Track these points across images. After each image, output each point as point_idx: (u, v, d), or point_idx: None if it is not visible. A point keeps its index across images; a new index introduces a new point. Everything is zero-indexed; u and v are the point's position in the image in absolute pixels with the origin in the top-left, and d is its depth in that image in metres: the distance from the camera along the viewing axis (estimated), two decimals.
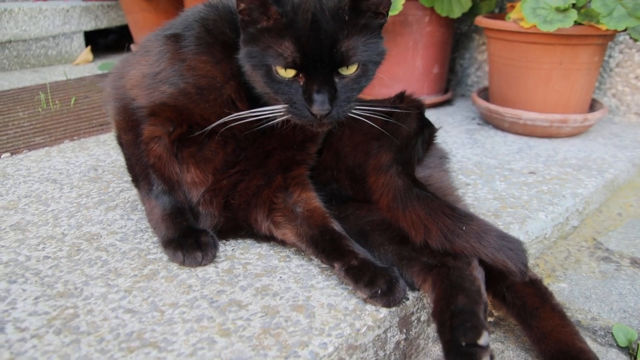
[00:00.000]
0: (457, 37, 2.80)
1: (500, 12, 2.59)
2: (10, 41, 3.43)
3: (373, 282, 1.08)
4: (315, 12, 1.09)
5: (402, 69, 2.42)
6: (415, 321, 1.16)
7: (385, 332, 1.08)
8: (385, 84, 2.45)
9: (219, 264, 1.24)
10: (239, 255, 1.27)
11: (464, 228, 1.10)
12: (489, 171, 1.84)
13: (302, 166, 1.33)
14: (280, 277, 1.19)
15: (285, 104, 1.14)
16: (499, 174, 1.81)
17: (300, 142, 1.30)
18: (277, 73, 1.11)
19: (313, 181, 1.35)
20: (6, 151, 2.03)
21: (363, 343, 1.04)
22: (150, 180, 1.29)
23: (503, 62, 2.17)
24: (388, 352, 1.10)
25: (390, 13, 2.14)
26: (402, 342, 1.13)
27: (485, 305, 1.04)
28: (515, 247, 1.09)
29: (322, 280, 1.17)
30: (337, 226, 1.22)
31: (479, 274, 1.09)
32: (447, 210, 1.12)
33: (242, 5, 1.12)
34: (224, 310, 1.07)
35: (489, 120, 2.32)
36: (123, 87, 1.31)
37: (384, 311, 1.08)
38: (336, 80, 1.12)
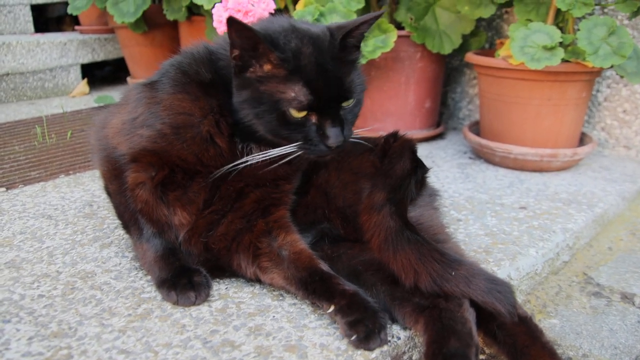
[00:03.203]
0: (448, 72, 2.84)
1: (490, 48, 2.64)
2: (7, 74, 3.46)
3: (354, 326, 1.10)
4: (316, 55, 1.18)
5: (394, 103, 2.46)
6: None
7: None
8: (378, 118, 2.49)
9: (213, 302, 1.25)
10: (232, 294, 1.28)
11: (452, 273, 1.12)
12: (480, 206, 1.86)
13: (281, 207, 1.34)
14: (274, 317, 1.20)
15: (300, 142, 1.20)
16: (490, 209, 1.83)
17: (272, 180, 1.31)
18: (291, 116, 1.17)
19: (301, 220, 1.37)
20: (1, 186, 2.04)
21: None
22: (139, 225, 1.31)
23: (493, 97, 2.21)
24: None
25: (382, 50, 2.19)
26: None
27: (477, 348, 1.05)
28: (503, 289, 1.11)
29: (314, 320, 1.19)
30: (324, 266, 1.24)
31: (470, 315, 1.10)
32: (436, 256, 1.14)
33: (236, 52, 1.17)
34: (217, 350, 1.08)
35: (481, 155, 2.35)
36: (105, 136, 1.34)
37: (376, 351, 1.09)
38: (341, 112, 1.21)
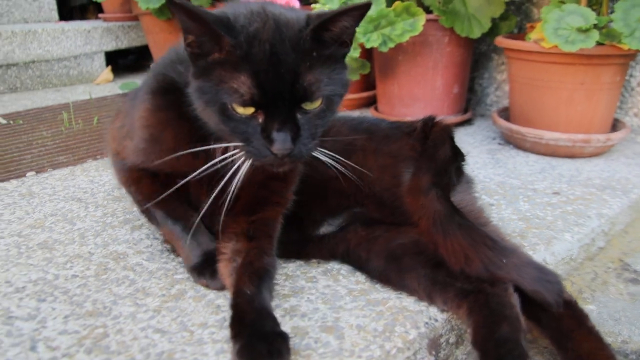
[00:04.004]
0: (476, 57, 2.80)
1: (519, 33, 2.60)
2: (33, 61, 3.48)
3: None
4: (274, 42, 1.02)
5: (422, 88, 2.42)
6: (444, 343, 1.15)
7: (414, 354, 1.07)
8: (405, 104, 2.46)
9: None
10: None
11: (504, 260, 1.10)
12: (512, 191, 1.83)
13: (267, 208, 1.26)
14: (308, 298, 1.18)
15: (243, 143, 1.06)
16: (522, 194, 1.80)
17: (260, 180, 1.22)
18: (234, 111, 1.03)
19: (332, 205, 1.34)
20: (31, 170, 2.05)
21: None
22: (160, 219, 1.31)
23: (524, 82, 2.17)
24: None
25: (411, 33, 2.16)
26: None
27: (525, 333, 1.03)
28: (552, 279, 1.09)
29: (349, 302, 1.17)
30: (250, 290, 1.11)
31: (515, 300, 1.08)
32: (488, 242, 1.12)
33: (190, 38, 1.04)
34: None
35: (510, 140, 2.31)
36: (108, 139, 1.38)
37: (413, 333, 1.07)
38: (299, 116, 1.05)
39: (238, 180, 1.10)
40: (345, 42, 1.09)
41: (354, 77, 2.43)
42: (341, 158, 1.19)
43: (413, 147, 1.36)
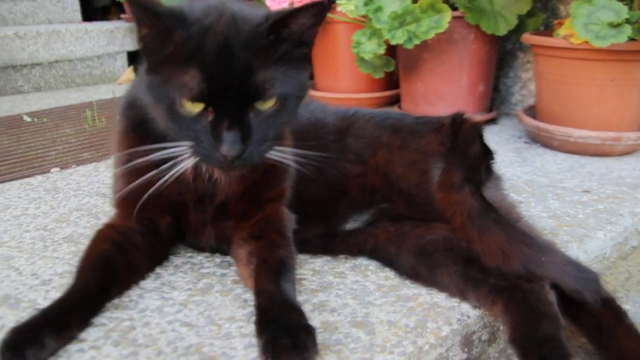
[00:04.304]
0: (501, 56, 2.76)
1: (545, 30, 2.55)
2: (57, 61, 3.51)
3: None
4: (228, 36, 0.98)
5: (448, 86, 2.39)
6: (477, 340, 1.12)
7: (447, 350, 1.05)
8: (430, 102, 2.43)
9: None
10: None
11: (543, 259, 1.07)
12: (540, 189, 1.79)
13: (264, 208, 1.23)
14: (337, 293, 1.16)
15: (192, 142, 1.01)
16: (551, 192, 1.76)
17: (244, 188, 1.20)
18: (183, 107, 0.99)
19: (357, 201, 1.32)
20: (55, 166, 2.06)
21: None
22: None
23: (552, 79, 2.13)
24: None
25: (436, 30, 2.14)
26: None
27: (565, 331, 1.00)
28: (590, 277, 1.06)
29: (379, 297, 1.15)
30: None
31: (552, 297, 1.05)
32: (526, 239, 1.10)
33: (143, 31, 1.01)
34: None
35: (537, 139, 2.27)
36: None
37: (446, 329, 1.05)
38: (251, 115, 1.00)
39: (172, 175, 1.06)
40: (305, 42, 1.05)
41: (378, 75, 2.41)
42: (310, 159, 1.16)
43: (442, 143, 1.33)
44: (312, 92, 2.84)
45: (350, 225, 1.35)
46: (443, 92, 2.41)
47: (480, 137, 1.37)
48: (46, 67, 3.52)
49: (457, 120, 1.38)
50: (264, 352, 0.92)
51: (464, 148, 1.30)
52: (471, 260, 1.14)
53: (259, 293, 1.07)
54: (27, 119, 2.80)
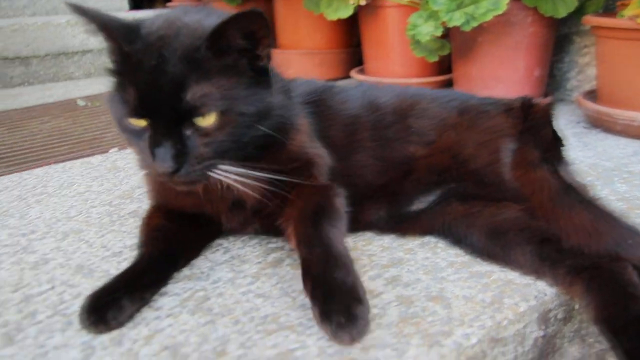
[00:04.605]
0: (555, 40, 2.70)
1: (605, 12, 2.49)
2: (100, 49, 3.56)
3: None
4: (164, 52, 0.96)
5: (504, 70, 2.35)
6: (553, 318, 1.09)
7: (525, 327, 1.02)
8: (485, 86, 2.39)
9: None
10: (362, 247, 1.24)
11: (629, 241, 1.05)
12: (605, 173, 1.74)
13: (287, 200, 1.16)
14: (408, 269, 1.15)
15: (139, 156, 1.06)
16: (617, 176, 1.71)
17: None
18: (127, 122, 1.00)
19: (423, 182, 1.29)
20: (113, 146, 2.09)
21: (504, 337, 0.98)
22: None
23: (615, 61, 2.07)
24: (526, 349, 1.04)
25: (494, 12, 2.10)
26: (540, 339, 1.07)
27: None
28: None
29: (452, 273, 1.13)
30: None
31: (636, 278, 1.02)
32: (611, 220, 1.08)
33: (109, 45, 1.03)
34: None
35: (597, 124, 2.21)
36: None
37: (523, 305, 1.02)
38: (187, 133, 0.98)
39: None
40: (256, 55, 1.02)
41: (433, 59, 2.38)
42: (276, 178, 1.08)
43: (514, 125, 1.30)
44: (362, 77, 2.82)
45: (416, 206, 1.32)
46: (498, 76, 2.36)
47: (551, 121, 1.34)
48: (96, 54, 3.58)
49: (527, 104, 1.35)
50: (323, 323, 0.91)
51: (537, 129, 1.27)
52: (547, 240, 1.11)
53: (299, 245, 1.05)
54: (80, 102, 2.85)
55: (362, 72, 2.91)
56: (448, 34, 2.45)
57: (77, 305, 1.06)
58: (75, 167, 1.88)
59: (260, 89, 1.04)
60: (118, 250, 1.27)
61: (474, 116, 1.33)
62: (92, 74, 3.56)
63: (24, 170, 1.88)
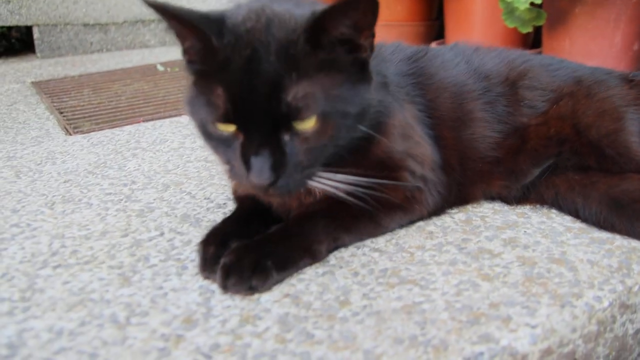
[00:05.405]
0: None
1: None
2: None
3: None
4: (257, 47, 0.85)
5: (598, 44, 2.25)
6: None
7: None
8: (577, 61, 2.30)
9: (454, 215, 1.18)
10: (472, 208, 1.21)
11: None
12: None
13: None
14: (525, 232, 1.11)
15: (226, 164, 0.94)
16: None
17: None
18: (214, 127, 0.90)
19: (539, 153, 1.21)
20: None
21: (634, 303, 0.94)
22: None
23: None
24: None
25: None
26: None
27: None
28: None
29: (571, 238, 1.09)
30: None
31: None
32: None
33: (187, 44, 0.92)
34: (476, 256, 1.01)
35: None
36: None
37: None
38: (286, 138, 0.87)
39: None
40: (359, 46, 0.90)
41: (526, 30, 2.29)
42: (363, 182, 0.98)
43: (637, 95, 1.24)
44: None
45: (529, 179, 1.25)
46: (593, 50, 2.27)
47: None
48: None
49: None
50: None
51: None
52: None
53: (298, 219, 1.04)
54: (160, 68, 2.88)
55: (443, 44, 2.84)
56: (542, 4, 2.36)
57: (188, 251, 1.07)
58: (165, 126, 1.90)
59: (360, 84, 0.93)
60: (222, 202, 1.27)
61: (592, 85, 1.26)
62: (167, 43, 3.60)
63: (114, 128, 1.91)
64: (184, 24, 0.87)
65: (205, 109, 0.89)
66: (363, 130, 0.95)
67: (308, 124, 0.87)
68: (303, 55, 0.86)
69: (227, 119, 0.87)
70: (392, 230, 1.11)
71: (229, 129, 0.88)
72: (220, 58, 0.86)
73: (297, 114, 0.85)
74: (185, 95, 0.97)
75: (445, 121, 1.20)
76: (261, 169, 0.86)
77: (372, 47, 0.93)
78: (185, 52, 0.93)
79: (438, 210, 1.17)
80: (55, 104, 2.23)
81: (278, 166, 0.87)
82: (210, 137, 0.93)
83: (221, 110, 0.86)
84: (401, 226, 1.12)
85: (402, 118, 1.10)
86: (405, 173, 1.07)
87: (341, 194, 0.98)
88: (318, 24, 0.85)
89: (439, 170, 1.14)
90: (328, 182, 0.95)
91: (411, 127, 1.12)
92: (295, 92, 0.84)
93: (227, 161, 0.93)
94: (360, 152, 1.00)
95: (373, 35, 0.91)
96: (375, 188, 0.99)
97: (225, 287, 0.92)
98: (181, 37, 0.91)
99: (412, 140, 1.11)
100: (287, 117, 0.86)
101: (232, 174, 0.94)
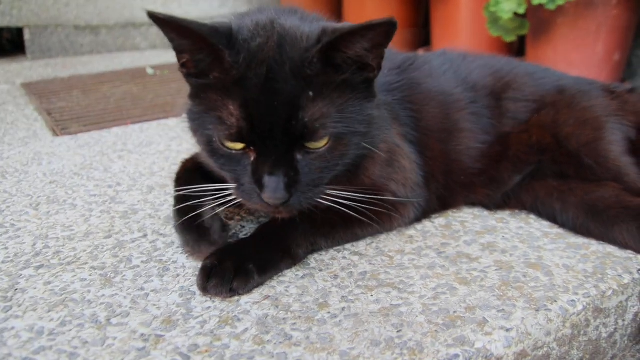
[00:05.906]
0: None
1: None
2: None
3: None
4: (272, 65, 0.84)
5: (580, 54, 2.28)
6: None
7: (627, 299, 1.00)
8: (560, 70, 2.33)
9: (435, 219, 1.20)
10: (453, 214, 1.23)
11: None
12: None
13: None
14: (503, 237, 1.13)
15: (233, 182, 0.91)
16: None
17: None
18: (222, 144, 0.88)
19: (521, 160, 1.24)
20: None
21: (607, 308, 0.96)
22: None
23: None
24: (626, 323, 1.02)
25: None
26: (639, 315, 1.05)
27: None
28: None
29: (548, 243, 1.11)
30: None
31: None
32: None
33: (185, 58, 0.88)
34: (454, 261, 1.03)
35: None
36: None
37: (627, 277, 1.00)
38: (298, 157, 0.87)
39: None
40: (370, 66, 0.89)
41: (510, 38, 2.32)
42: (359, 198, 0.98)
43: (620, 107, 1.26)
44: None
45: (510, 186, 1.27)
46: (575, 60, 2.30)
47: None
48: None
49: (629, 90, 1.32)
50: None
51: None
52: None
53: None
54: (150, 71, 2.89)
55: (429, 51, 2.87)
56: (525, 14, 2.39)
57: (171, 253, 1.08)
58: (152, 128, 1.91)
59: (367, 102, 0.93)
60: None
61: (574, 95, 1.29)
62: (158, 46, 3.60)
63: (102, 129, 1.92)
64: (193, 38, 0.84)
65: (215, 125, 0.87)
66: (367, 148, 0.95)
67: (321, 143, 0.88)
68: (318, 74, 0.85)
69: (239, 137, 0.86)
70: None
71: (237, 146, 0.88)
72: (232, 74, 0.85)
73: (313, 133, 0.85)
74: (186, 108, 0.95)
75: (432, 132, 1.21)
76: (276, 188, 0.85)
77: (379, 66, 0.93)
78: (183, 66, 0.90)
79: (417, 220, 1.19)
80: (44, 105, 2.23)
81: (292, 185, 0.86)
82: (216, 154, 0.91)
83: (234, 128, 0.85)
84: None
85: (389, 140, 1.10)
86: (388, 194, 1.08)
87: (343, 209, 0.97)
88: (334, 45, 0.84)
89: (421, 189, 1.16)
90: (330, 199, 0.95)
91: (397, 148, 1.12)
92: (312, 112, 0.84)
93: (235, 179, 0.91)
94: (352, 172, 1.02)
95: (382, 56, 0.91)
96: (363, 202, 1.00)
97: (205, 290, 0.93)
98: (182, 49, 0.88)
99: (396, 165, 1.11)
100: (302, 137, 0.85)
101: (241, 192, 0.91)
